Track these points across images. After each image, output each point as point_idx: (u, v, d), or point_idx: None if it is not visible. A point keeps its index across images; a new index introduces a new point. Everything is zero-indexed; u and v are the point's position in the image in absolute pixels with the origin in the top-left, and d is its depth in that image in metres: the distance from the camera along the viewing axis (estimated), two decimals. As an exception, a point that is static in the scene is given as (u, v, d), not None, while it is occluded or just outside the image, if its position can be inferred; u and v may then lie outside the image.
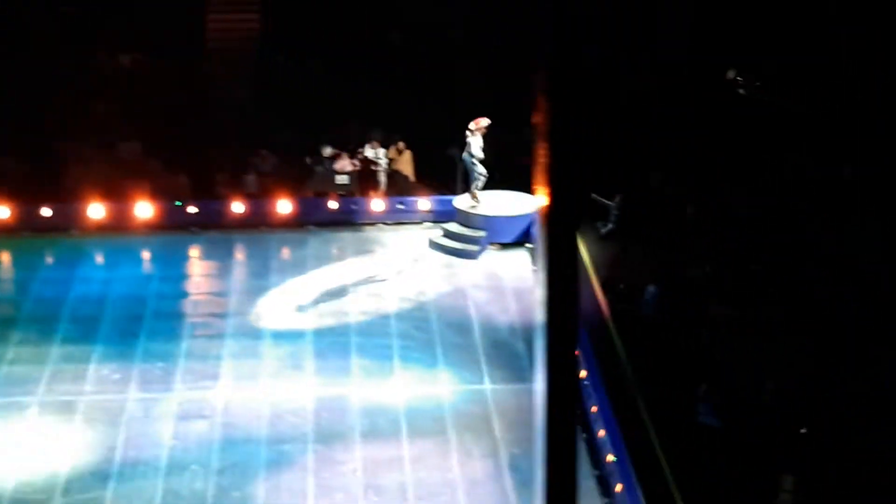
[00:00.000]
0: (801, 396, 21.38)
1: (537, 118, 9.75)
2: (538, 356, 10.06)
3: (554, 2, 9.25)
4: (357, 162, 30.29)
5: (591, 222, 28.08)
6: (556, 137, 9.57)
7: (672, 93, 30.68)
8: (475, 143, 27.55)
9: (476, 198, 28.25)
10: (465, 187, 29.02)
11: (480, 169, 27.86)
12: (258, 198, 29.68)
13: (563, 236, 9.88)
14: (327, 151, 30.48)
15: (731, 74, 30.94)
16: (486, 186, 28.28)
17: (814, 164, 27.90)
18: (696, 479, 19.98)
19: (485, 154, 27.68)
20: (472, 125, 27.56)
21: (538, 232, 10.04)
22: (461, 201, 28.65)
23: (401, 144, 30.62)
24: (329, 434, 21.87)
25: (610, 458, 20.05)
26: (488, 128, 27.50)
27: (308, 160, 30.59)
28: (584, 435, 21.47)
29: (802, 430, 20.49)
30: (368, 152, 30.33)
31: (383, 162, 30.31)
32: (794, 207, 26.79)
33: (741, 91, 30.94)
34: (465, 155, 27.84)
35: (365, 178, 30.13)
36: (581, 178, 9.83)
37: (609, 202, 28.07)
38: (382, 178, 30.19)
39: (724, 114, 29.75)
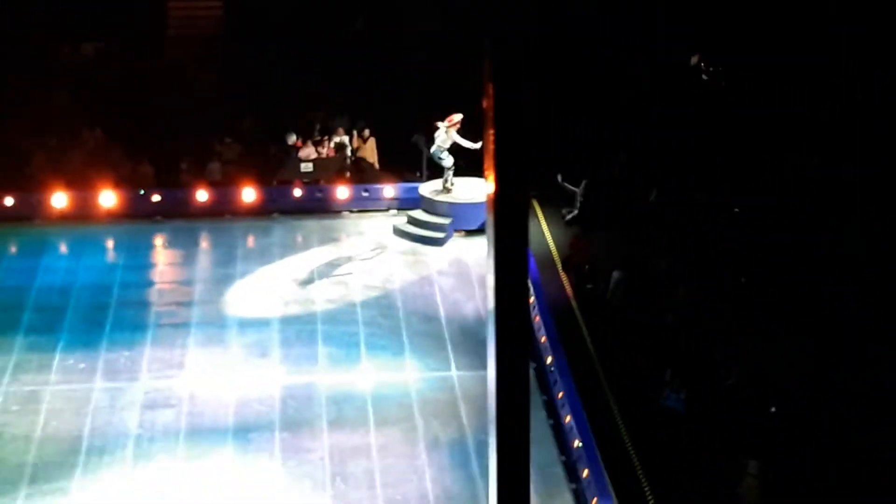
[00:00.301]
0: (766, 381, 21.50)
1: (485, 104, 9.77)
2: (489, 343, 10.12)
3: None
4: (321, 149, 30.25)
5: (557, 207, 28.16)
6: (501, 123, 9.59)
7: (639, 79, 30.77)
8: (445, 138, 27.58)
9: (449, 190, 28.30)
10: (430, 174, 29.10)
11: (448, 161, 27.90)
12: (222, 186, 29.60)
13: (511, 222, 9.89)
14: (292, 139, 30.43)
15: (694, 60, 31.04)
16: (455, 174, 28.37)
17: (782, 154, 28.04)
18: (662, 464, 20.08)
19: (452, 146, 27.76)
20: (445, 122, 27.57)
21: (487, 218, 10.05)
22: (426, 188, 28.67)
23: (365, 132, 30.61)
24: (296, 422, 21.86)
25: (577, 443, 20.13)
26: (461, 122, 27.53)
27: (273, 149, 30.53)
28: (551, 421, 21.57)
29: (772, 409, 20.61)
30: (333, 140, 30.30)
31: (348, 150, 30.31)
32: (756, 194, 26.92)
33: (704, 77, 31.04)
34: (433, 149, 27.86)
35: (329, 165, 30.07)
36: (528, 163, 9.84)
37: (574, 188, 28.13)
38: (347, 165, 30.16)
39: (690, 101, 29.84)
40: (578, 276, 25.61)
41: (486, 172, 9.85)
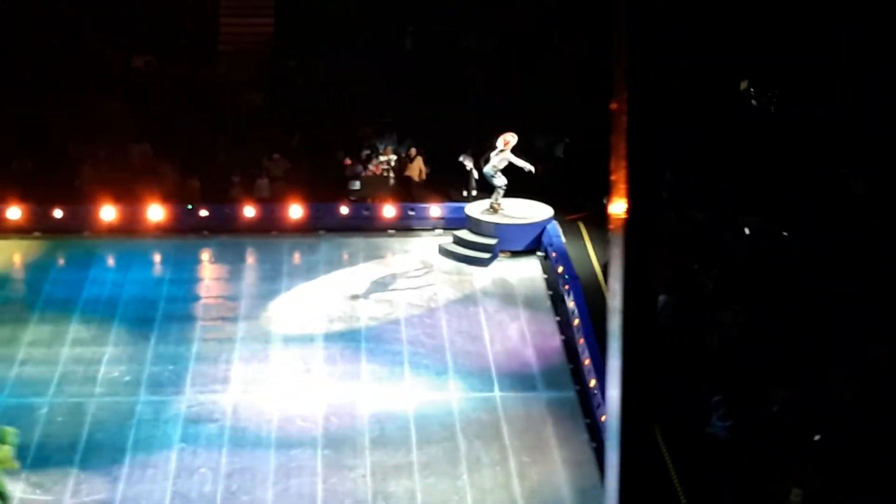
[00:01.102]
0: (811, 406, 21.35)
1: (614, 106, 9.44)
2: (612, 365, 9.94)
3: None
4: (369, 168, 30.33)
5: (603, 228, 28.08)
6: (638, 142, 9.29)
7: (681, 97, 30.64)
8: (500, 159, 27.65)
9: (496, 210, 28.32)
10: (478, 194, 29.16)
11: (501, 181, 27.93)
12: (270, 202, 29.72)
13: (641, 245, 9.62)
14: (341, 156, 30.57)
15: (743, 85, 30.90)
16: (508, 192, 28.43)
17: (822, 171, 27.85)
18: (706, 490, 19.96)
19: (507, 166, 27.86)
20: (500, 142, 27.66)
21: (616, 239, 9.78)
22: (473, 208, 28.68)
23: (412, 151, 30.67)
24: (338, 439, 21.89)
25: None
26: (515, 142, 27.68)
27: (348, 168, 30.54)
28: (594, 444, 21.51)
29: (816, 438, 20.46)
30: (380, 158, 30.40)
31: (393, 167, 30.40)
32: (803, 213, 26.75)
33: (753, 102, 30.90)
34: (487, 169, 27.89)
35: (376, 183, 30.15)
36: (661, 177, 9.53)
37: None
38: (393, 183, 30.24)
39: (739, 124, 29.70)
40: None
41: (615, 184, 9.57)
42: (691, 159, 28.81)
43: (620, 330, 9.86)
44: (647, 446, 10.18)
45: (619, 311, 9.81)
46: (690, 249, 26.47)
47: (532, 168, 27.90)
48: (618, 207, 9.50)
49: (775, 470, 20.14)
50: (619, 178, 9.46)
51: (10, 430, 19.70)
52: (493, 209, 28.39)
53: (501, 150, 27.71)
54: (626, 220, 9.46)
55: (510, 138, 27.66)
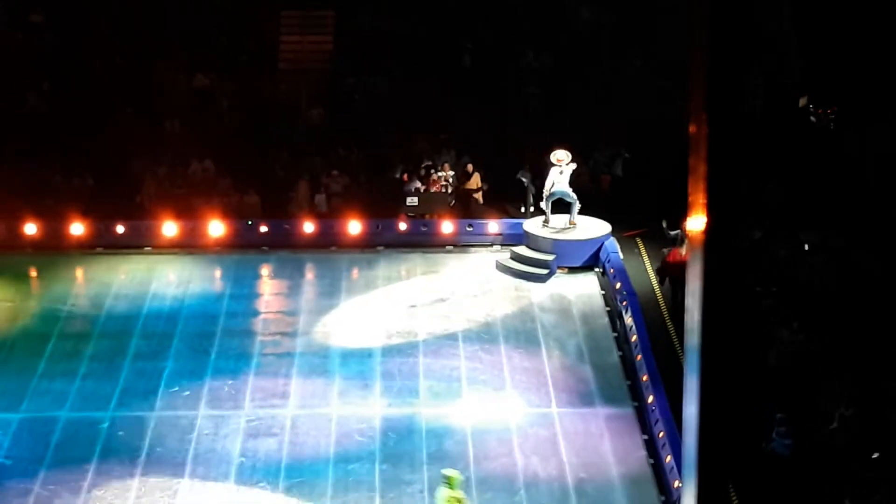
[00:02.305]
0: (869, 423, 21.22)
1: (692, 130, 9.42)
2: (689, 381, 9.91)
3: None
4: (428, 184, 30.46)
5: (660, 246, 28.04)
6: (720, 163, 9.28)
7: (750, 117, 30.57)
8: (561, 178, 27.77)
9: (574, 225, 28.41)
10: (529, 210, 29.34)
11: (574, 196, 28.06)
12: (329, 217, 29.90)
13: (722, 260, 9.60)
14: (399, 172, 30.73)
15: (802, 101, 30.78)
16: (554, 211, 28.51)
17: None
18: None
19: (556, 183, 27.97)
20: (555, 161, 27.79)
21: (693, 255, 9.76)
22: (530, 224, 28.75)
23: (470, 166, 30.78)
24: (396, 454, 21.96)
25: (677, 483, 20.01)
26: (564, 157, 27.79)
27: (406, 184, 30.70)
28: (652, 461, 21.47)
29: (875, 455, 20.34)
30: (439, 174, 30.52)
31: (451, 183, 30.51)
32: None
33: (812, 119, 30.77)
34: (558, 189, 27.98)
35: (434, 199, 30.27)
36: (741, 195, 9.53)
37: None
38: (452, 199, 30.35)
39: (798, 141, 29.57)
40: (675, 289, 25.81)
41: (693, 204, 9.57)
42: (754, 177, 28.72)
43: (699, 348, 9.84)
44: (726, 465, 10.18)
45: (698, 328, 9.80)
46: (749, 266, 26.36)
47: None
48: (696, 225, 9.53)
49: (834, 488, 20.02)
50: (697, 198, 9.48)
51: (456, 477, 19.11)
52: (572, 224, 28.45)
53: (561, 170, 27.81)
54: (705, 238, 9.49)
55: (562, 155, 27.80)
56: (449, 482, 18.92)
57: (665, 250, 26.88)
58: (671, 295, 26.25)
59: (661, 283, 26.72)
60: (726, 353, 9.94)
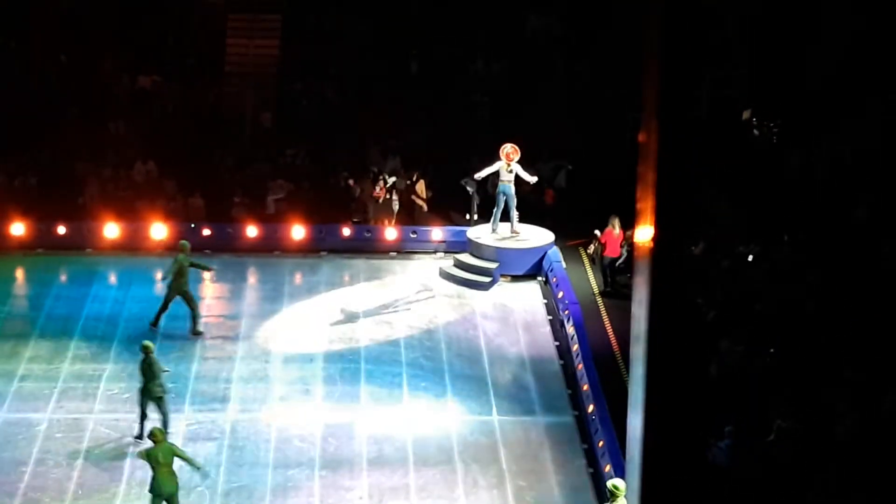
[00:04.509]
0: (807, 436, 21.37)
1: (642, 138, 9.43)
2: (634, 390, 9.92)
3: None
4: (373, 190, 30.42)
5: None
6: (668, 172, 9.30)
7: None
8: (508, 172, 27.76)
9: (518, 233, 28.44)
10: (473, 217, 29.41)
11: (514, 202, 28.09)
12: (273, 222, 29.82)
13: (669, 270, 9.62)
14: (343, 180, 30.70)
15: (746, 115, 30.98)
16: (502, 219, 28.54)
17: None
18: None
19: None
20: (501, 155, 27.76)
21: (639, 264, 9.77)
22: (474, 232, 28.79)
23: (415, 174, 30.77)
24: (336, 460, 21.93)
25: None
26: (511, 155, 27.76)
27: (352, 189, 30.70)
28: (591, 469, 21.55)
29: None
30: (387, 179, 30.46)
31: (396, 189, 30.49)
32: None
33: (755, 132, 30.96)
34: (503, 185, 27.93)
35: (380, 206, 30.24)
36: (691, 205, 9.50)
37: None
38: (395, 206, 30.32)
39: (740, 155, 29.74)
40: (609, 270, 27.03)
41: (641, 212, 9.57)
42: (696, 187, 28.82)
43: (644, 356, 9.87)
44: (670, 473, 10.21)
45: (644, 337, 9.83)
46: (692, 278, 26.48)
47: (534, 180, 28.05)
48: (644, 235, 9.54)
49: (772, 498, 20.14)
50: (645, 206, 9.51)
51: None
52: (515, 232, 28.48)
53: (508, 164, 27.75)
54: (652, 247, 9.51)
55: (511, 151, 27.76)
56: (616, 491, 18.46)
57: (597, 232, 27.61)
58: (607, 280, 27.21)
59: (595, 262, 27.93)
60: (672, 362, 9.97)
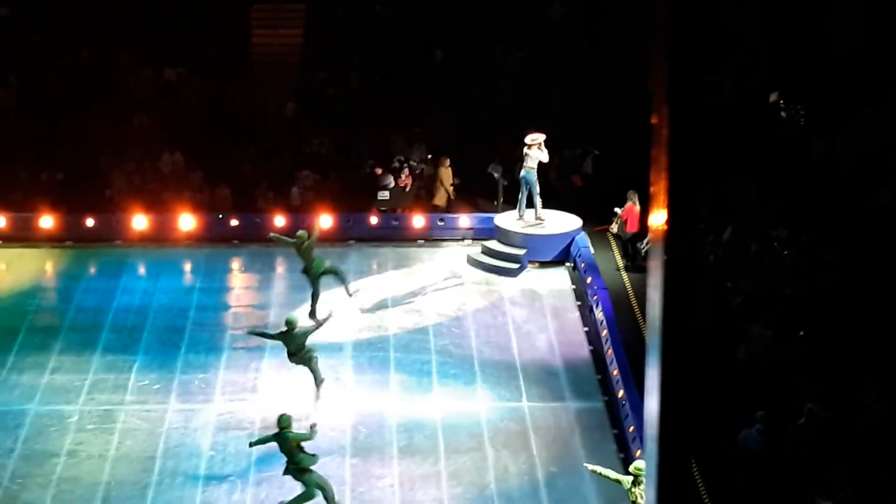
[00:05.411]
0: (839, 420, 21.29)
1: (655, 120, 9.40)
2: (650, 376, 9.91)
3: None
4: (399, 178, 30.42)
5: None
6: (679, 154, 9.26)
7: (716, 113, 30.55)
8: (533, 158, 27.70)
9: (541, 218, 28.41)
10: (500, 204, 29.34)
11: (537, 188, 28.02)
12: (300, 211, 29.84)
13: (681, 255, 9.58)
14: (369, 168, 30.69)
15: (773, 98, 30.82)
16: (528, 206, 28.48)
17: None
18: (733, 501, 19.92)
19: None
20: (527, 140, 27.71)
21: (654, 250, 9.77)
22: (502, 219, 28.76)
23: (442, 161, 30.73)
24: (366, 448, 21.98)
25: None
26: (543, 142, 27.70)
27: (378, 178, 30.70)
28: (622, 455, 21.54)
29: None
30: (410, 168, 30.47)
31: (422, 177, 30.48)
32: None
33: (783, 114, 30.80)
34: (525, 172, 27.90)
35: (406, 194, 30.26)
36: (702, 189, 9.48)
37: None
38: (423, 194, 30.31)
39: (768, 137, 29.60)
40: (630, 245, 27.45)
41: (655, 196, 9.55)
42: (719, 173, 28.76)
43: (659, 341, 9.83)
44: (685, 458, 10.16)
45: (658, 321, 9.79)
46: (720, 263, 26.43)
47: (545, 156, 28.04)
48: (658, 219, 9.51)
49: (803, 483, 20.08)
50: (658, 189, 9.47)
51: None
52: (540, 219, 28.45)
53: (529, 149, 27.71)
54: (665, 230, 9.47)
55: (537, 136, 27.70)
56: (639, 473, 18.72)
57: (617, 209, 27.80)
58: (629, 254, 27.62)
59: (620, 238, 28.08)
60: (687, 347, 9.93)
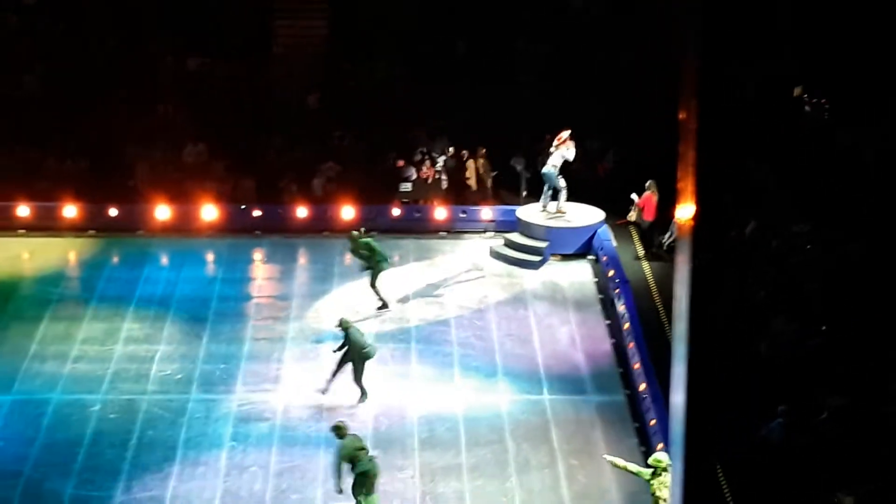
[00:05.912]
0: (862, 414, 21.23)
1: (682, 116, 9.39)
2: (677, 368, 9.91)
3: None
4: (422, 170, 30.40)
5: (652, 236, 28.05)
6: (708, 150, 9.26)
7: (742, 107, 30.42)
8: (557, 156, 27.70)
9: (563, 213, 28.36)
10: (527, 197, 29.28)
11: (562, 183, 27.98)
12: (322, 203, 29.85)
13: (710, 247, 9.57)
14: (392, 160, 30.68)
15: (797, 92, 30.73)
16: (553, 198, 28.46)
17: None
18: (755, 496, 19.88)
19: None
20: (556, 140, 27.74)
21: (680, 243, 9.75)
22: (524, 211, 28.73)
23: (465, 153, 30.72)
24: (387, 440, 21.99)
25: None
26: (569, 138, 27.71)
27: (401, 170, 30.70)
28: (643, 448, 21.50)
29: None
30: (433, 160, 30.44)
31: (446, 170, 30.44)
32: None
33: (807, 108, 30.71)
34: (547, 170, 27.91)
35: (428, 186, 30.24)
36: (730, 188, 9.49)
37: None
38: (445, 186, 30.30)
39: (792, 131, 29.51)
40: (649, 234, 27.56)
41: (682, 191, 9.54)
42: (743, 167, 28.66)
43: (686, 335, 9.84)
44: (710, 452, 10.17)
45: (685, 315, 9.79)
46: (743, 257, 26.36)
47: (572, 153, 28.01)
48: (685, 213, 9.51)
49: (826, 477, 20.03)
50: (686, 184, 9.47)
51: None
52: (560, 212, 28.41)
53: (557, 148, 27.72)
54: (693, 225, 9.46)
55: (564, 134, 27.70)
56: (658, 465, 18.78)
57: (634, 196, 27.99)
58: (648, 243, 27.74)
59: (638, 225, 28.26)
60: (713, 341, 9.94)
